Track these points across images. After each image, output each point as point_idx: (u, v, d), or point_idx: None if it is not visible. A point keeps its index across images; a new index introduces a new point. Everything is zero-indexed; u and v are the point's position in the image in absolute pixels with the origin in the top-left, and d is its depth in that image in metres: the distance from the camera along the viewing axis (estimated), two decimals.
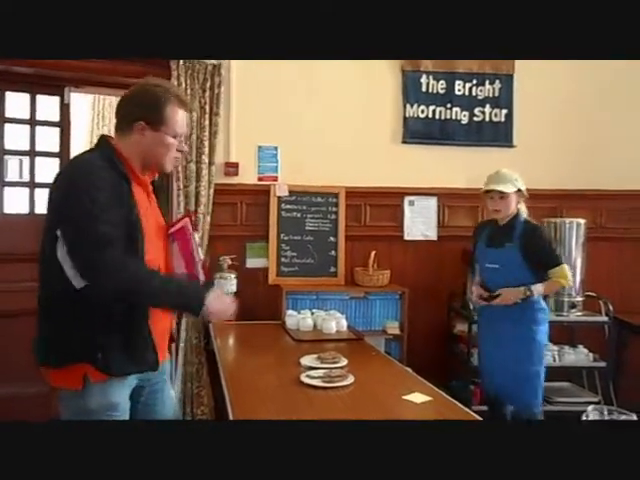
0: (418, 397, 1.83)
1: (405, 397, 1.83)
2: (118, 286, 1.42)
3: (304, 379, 1.99)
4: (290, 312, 3.06)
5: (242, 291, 3.21)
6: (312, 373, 2.03)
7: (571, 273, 2.59)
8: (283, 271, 3.51)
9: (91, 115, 6.17)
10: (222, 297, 1.60)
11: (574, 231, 3.45)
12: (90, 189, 1.41)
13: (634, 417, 1.19)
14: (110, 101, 6.10)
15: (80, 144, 4.86)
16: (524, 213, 2.70)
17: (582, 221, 3.47)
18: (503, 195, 2.63)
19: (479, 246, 2.81)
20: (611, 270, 3.70)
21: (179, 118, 1.56)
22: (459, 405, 1.80)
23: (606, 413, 1.21)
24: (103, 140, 1.58)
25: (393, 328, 3.43)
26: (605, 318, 3.33)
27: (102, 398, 1.48)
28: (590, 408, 1.23)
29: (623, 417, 1.22)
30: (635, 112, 3.77)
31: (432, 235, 3.72)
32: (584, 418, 1.26)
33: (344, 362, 2.21)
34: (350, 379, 1.98)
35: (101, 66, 3.06)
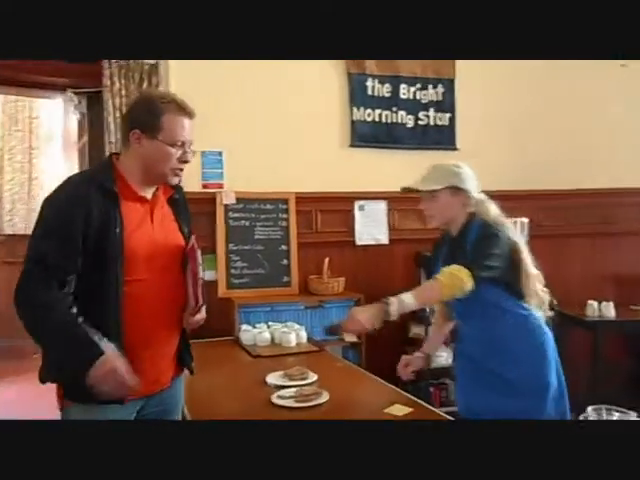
0: (399, 409, 1.78)
1: (386, 410, 1.78)
2: (19, 305, 1.34)
3: (276, 400, 1.88)
4: (245, 327, 2.92)
5: None
6: (283, 393, 1.93)
7: (465, 280, 1.67)
8: (233, 283, 3.38)
9: (0, 118, 5.68)
10: (110, 373, 1.33)
11: (518, 230, 3.55)
12: (53, 203, 1.40)
13: (633, 416, 1.19)
14: (26, 103, 5.64)
15: None
16: (489, 215, 1.90)
17: (525, 220, 3.58)
18: (433, 194, 1.92)
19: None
20: (549, 266, 3.83)
21: (177, 125, 1.46)
22: (442, 414, 1.77)
23: (604, 413, 1.21)
24: (106, 157, 1.56)
25: (350, 336, 3.37)
26: (550, 313, 3.44)
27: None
28: (590, 409, 1.23)
29: (617, 415, 1.22)
30: (569, 116, 3.93)
31: (383, 239, 3.71)
32: (583, 418, 1.26)
33: (314, 378, 2.12)
34: (325, 396, 1.90)
35: (10, 63, 2.79)
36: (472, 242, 1.80)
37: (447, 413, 1.84)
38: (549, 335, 1.91)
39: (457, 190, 1.89)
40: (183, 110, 1.49)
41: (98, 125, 3.37)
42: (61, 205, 1.39)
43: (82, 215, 1.36)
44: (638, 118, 4.01)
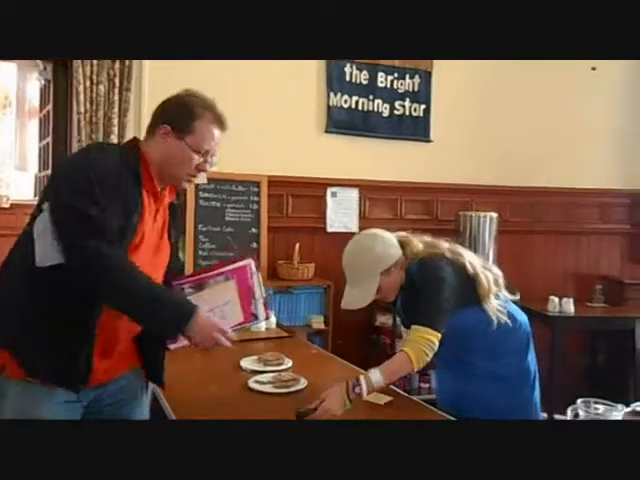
0: (380, 398, 1.77)
1: (366, 399, 1.76)
2: (97, 274, 1.26)
3: (253, 385, 1.84)
4: None
5: None
6: (260, 378, 1.90)
7: (429, 351, 1.61)
8: (201, 265, 3.29)
9: None
10: (207, 325, 1.34)
11: (487, 225, 3.62)
12: (96, 169, 1.29)
13: (619, 409, 1.22)
14: None
15: None
16: (419, 252, 1.79)
17: (494, 215, 3.65)
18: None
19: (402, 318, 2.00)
20: (514, 261, 3.94)
21: (208, 134, 1.42)
22: (422, 402, 1.78)
23: (592, 407, 1.23)
24: (131, 140, 1.49)
25: (318, 323, 3.37)
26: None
27: (21, 404, 1.29)
28: (579, 401, 1.25)
29: (602, 408, 1.24)
30: (540, 115, 4.01)
31: (353, 227, 3.70)
32: (572, 412, 1.28)
33: (289, 363, 2.09)
34: (303, 382, 1.88)
35: None
36: (419, 281, 1.74)
37: (426, 401, 1.85)
38: (523, 321, 1.88)
39: (388, 270, 1.75)
40: (218, 121, 1.45)
41: (64, 93, 3.18)
42: (108, 170, 1.31)
43: (124, 184, 1.32)
44: (606, 119, 4.14)
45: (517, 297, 1.96)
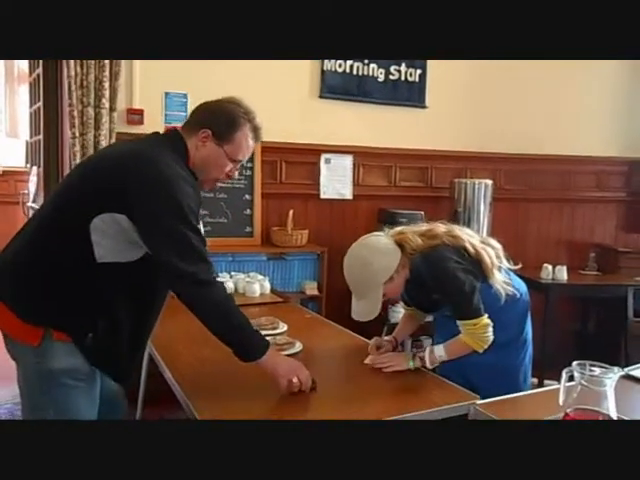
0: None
1: (366, 361, 1.78)
2: (212, 301, 1.41)
3: None
4: None
5: None
6: None
7: (487, 334, 1.70)
8: None
9: None
10: (286, 360, 1.56)
11: (482, 192, 3.59)
12: (187, 200, 1.34)
13: (615, 371, 1.20)
14: None
15: None
16: (418, 246, 1.77)
17: (489, 182, 3.62)
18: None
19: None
20: (509, 229, 3.93)
21: (245, 145, 1.50)
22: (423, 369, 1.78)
23: (588, 369, 1.22)
24: (176, 135, 1.49)
25: (311, 289, 3.37)
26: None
27: (67, 359, 1.37)
28: (574, 364, 1.24)
29: (599, 371, 1.23)
30: (536, 82, 3.95)
31: (347, 194, 3.67)
32: (566, 374, 1.27)
33: (284, 328, 2.09)
34: (299, 346, 1.88)
35: None
36: (429, 278, 1.75)
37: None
38: (524, 290, 1.93)
39: (391, 277, 1.73)
40: (256, 133, 1.52)
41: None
42: (194, 199, 1.38)
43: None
44: (603, 86, 4.09)
45: (518, 267, 1.96)
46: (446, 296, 1.76)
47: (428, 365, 1.74)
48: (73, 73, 2.84)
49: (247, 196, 3.38)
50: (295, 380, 1.47)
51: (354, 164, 3.67)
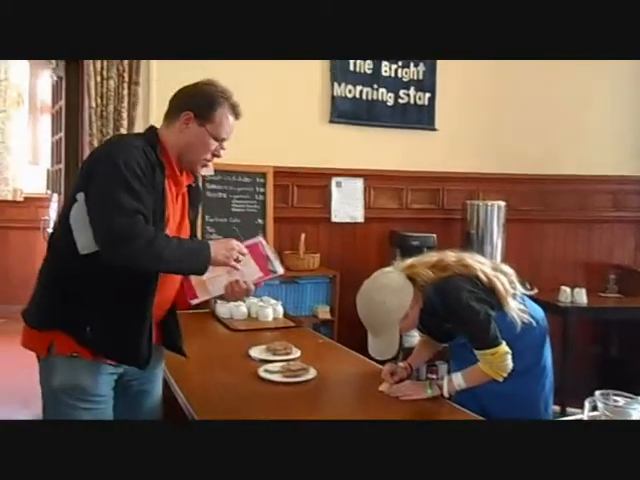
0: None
1: (381, 388, 1.74)
2: (136, 253, 1.33)
3: (263, 374, 1.82)
4: (221, 300, 2.84)
5: None
6: (269, 367, 1.86)
7: (506, 362, 1.67)
8: None
9: None
10: (222, 241, 1.52)
11: (495, 213, 3.56)
12: (129, 161, 1.35)
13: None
14: None
15: None
16: (429, 278, 1.74)
17: (502, 204, 3.59)
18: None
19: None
20: (523, 250, 3.88)
21: (226, 122, 1.52)
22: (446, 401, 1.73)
23: (612, 399, 1.18)
24: (150, 128, 1.57)
25: (324, 313, 3.33)
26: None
27: (67, 377, 1.39)
28: (597, 393, 1.20)
29: (623, 401, 1.19)
30: (549, 101, 3.94)
31: (359, 217, 3.66)
32: (590, 404, 1.23)
33: (297, 353, 2.06)
34: (312, 372, 1.84)
35: None
36: (442, 308, 1.73)
37: None
38: (540, 317, 1.87)
39: (405, 313, 1.71)
40: (235, 110, 1.55)
41: (75, 89, 3.20)
42: (137, 159, 1.37)
43: (149, 182, 1.38)
44: (618, 104, 4.05)
45: (534, 292, 1.92)
46: (461, 326, 1.73)
47: (445, 394, 1.71)
48: (94, 104, 2.95)
49: (259, 220, 3.38)
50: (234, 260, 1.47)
51: (365, 187, 3.66)
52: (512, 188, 3.89)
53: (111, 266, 1.33)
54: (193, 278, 1.55)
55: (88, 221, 1.35)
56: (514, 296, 1.79)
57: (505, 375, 1.67)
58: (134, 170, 1.34)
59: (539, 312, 1.89)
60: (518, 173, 3.90)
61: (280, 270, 1.65)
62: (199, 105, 1.49)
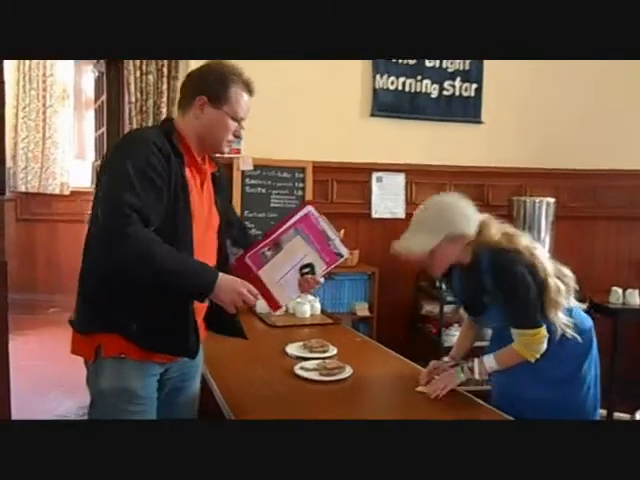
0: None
1: (418, 389, 1.70)
2: (123, 254, 1.30)
3: (299, 372, 1.80)
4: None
5: None
6: (306, 365, 1.84)
7: (543, 345, 1.65)
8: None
9: (15, 77, 5.61)
10: (235, 286, 1.38)
11: (543, 210, 3.42)
12: (137, 159, 1.32)
13: None
14: (40, 61, 5.52)
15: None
16: (493, 239, 1.69)
17: (551, 200, 3.45)
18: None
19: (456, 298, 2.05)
20: (573, 249, 3.72)
21: (242, 101, 1.48)
22: (469, 395, 1.70)
23: None
24: (165, 119, 1.56)
25: (362, 309, 3.29)
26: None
27: (115, 380, 1.39)
28: None
29: None
30: (599, 94, 3.76)
31: (400, 212, 3.58)
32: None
33: (334, 351, 2.03)
34: (349, 371, 1.81)
35: None
36: (490, 276, 1.66)
37: (471, 392, 1.75)
38: (588, 329, 1.80)
39: (454, 237, 1.66)
40: (248, 87, 1.50)
41: (116, 84, 3.27)
42: (146, 155, 1.34)
43: (166, 168, 1.35)
44: None
45: (586, 305, 1.87)
46: (507, 300, 1.65)
47: (477, 376, 1.68)
48: (133, 99, 2.99)
49: None
50: (241, 303, 1.39)
51: (407, 182, 3.59)
52: (560, 184, 3.74)
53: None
54: (269, 285, 1.52)
55: None
56: (563, 309, 1.70)
57: (537, 357, 1.63)
58: (140, 168, 1.31)
59: (587, 322, 1.81)
60: (567, 168, 3.74)
61: (345, 252, 1.57)
62: (211, 87, 1.45)
